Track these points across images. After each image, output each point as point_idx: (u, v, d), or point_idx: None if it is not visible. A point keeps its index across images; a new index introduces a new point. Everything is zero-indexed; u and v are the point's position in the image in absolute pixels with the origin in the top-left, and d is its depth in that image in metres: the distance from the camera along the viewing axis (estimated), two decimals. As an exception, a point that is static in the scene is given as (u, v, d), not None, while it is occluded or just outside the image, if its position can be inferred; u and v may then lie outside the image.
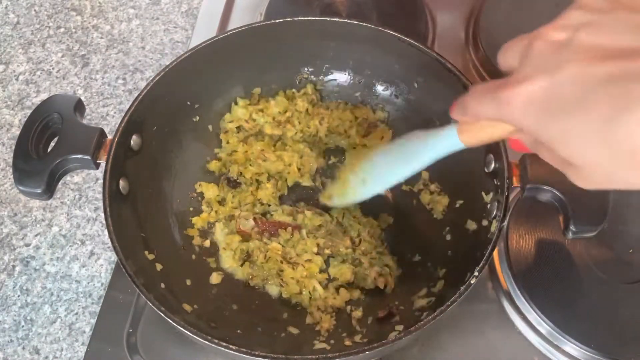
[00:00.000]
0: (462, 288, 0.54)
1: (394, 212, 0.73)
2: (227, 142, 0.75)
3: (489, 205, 0.62)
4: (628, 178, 0.33)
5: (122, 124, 0.63)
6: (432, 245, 0.69)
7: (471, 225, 0.65)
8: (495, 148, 0.61)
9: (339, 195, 0.64)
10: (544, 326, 0.65)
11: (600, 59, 0.32)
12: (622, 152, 0.31)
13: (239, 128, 0.76)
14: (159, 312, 0.54)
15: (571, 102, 0.32)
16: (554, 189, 0.58)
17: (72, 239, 0.77)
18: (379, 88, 0.77)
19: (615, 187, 0.34)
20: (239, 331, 0.62)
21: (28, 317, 0.72)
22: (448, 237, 0.68)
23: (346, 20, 0.70)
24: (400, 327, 0.60)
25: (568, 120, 0.33)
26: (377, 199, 0.64)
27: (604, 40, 0.32)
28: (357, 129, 0.76)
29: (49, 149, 0.62)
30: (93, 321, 0.70)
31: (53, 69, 0.92)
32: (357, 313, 0.65)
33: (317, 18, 0.71)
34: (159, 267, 0.63)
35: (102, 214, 0.60)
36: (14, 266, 0.75)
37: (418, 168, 0.53)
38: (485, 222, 0.62)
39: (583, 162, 0.34)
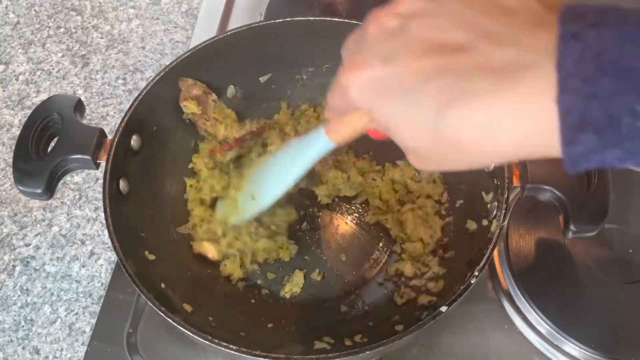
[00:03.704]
0: (462, 288, 0.54)
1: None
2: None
3: (489, 205, 0.62)
4: (455, 163, 0.35)
5: (122, 124, 0.63)
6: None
7: (471, 225, 0.65)
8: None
9: (233, 214, 0.65)
10: (544, 326, 0.65)
11: (430, 52, 0.32)
12: (447, 142, 0.33)
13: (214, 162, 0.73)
14: (159, 312, 0.54)
15: (402, 91, 0.34)
16: (554, 188, 0.58)
17: (72, 239, 0.77)
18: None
19: (446, 169, 0.37)
20: (241, 333, 0.62)
21: (28, 317, 0.72)
22: (448, 237, 0.69)
23: (346, 20, 0.70)
24: (400, 327, 0.60)
25: (399, 109, 0.34)
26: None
27: (434, 33, 0.33)
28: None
29: (49, 149, 0.62)
30: (93, 321, 0.70)
31: (53, 69, 0.92)
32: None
33: (317, 18, 0.71)
34: (159, 267, 0.63)
35: (102, 214, 0.60)
36: (14, 266, 0.75)
37: (299, 173, 0.54)
38: (485, 222, 0.62)
39: (414, 146, 0.36)
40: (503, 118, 0.30)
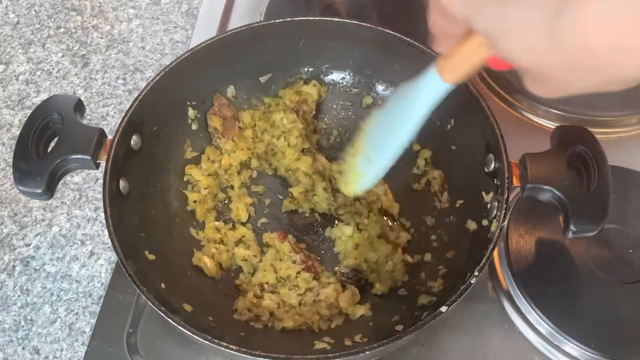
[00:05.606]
0: (462, 288, 0.54)
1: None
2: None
3: (489, 205, 0.62)
4: (582, 81, 0.28)
5: (122, 124, 0.63)
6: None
7: (471, 225, 0.65)
8: (495, 148, 0.61)
9: (356, 182, 0.59)
10: (544, 326, 0.65)
11: None
12: (570, 50, 0.27)
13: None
14: (159, 312, 0.54)
15: None
16: (554, 188, 0.57)
17: (72, 239, 0.77)
18: (379, 88, 0.77)
19: (573, 91, 0.30)
20: (240, 333, 0.62)
21: (28, 317, 0.72)
22: (448, 237, 0.69)
23: (346, 20, 0.70)
24: (400, 327, 0.60)
25: (506, 13, 0.28)
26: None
27: None
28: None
29: (49, 149, 0.62)
30: (93, 321, 0.70)
31: (53, 69, 0.92)
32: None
33: (317, 18, 0.71)
34: (159, 267, 0.63)
35: (102, 214, 0.60)
36: (14, 266, 0.75)
37: (414, 126, 0.49)
38: (485, 222, 0.62)
39: (531, 63, 0.29)
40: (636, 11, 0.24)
